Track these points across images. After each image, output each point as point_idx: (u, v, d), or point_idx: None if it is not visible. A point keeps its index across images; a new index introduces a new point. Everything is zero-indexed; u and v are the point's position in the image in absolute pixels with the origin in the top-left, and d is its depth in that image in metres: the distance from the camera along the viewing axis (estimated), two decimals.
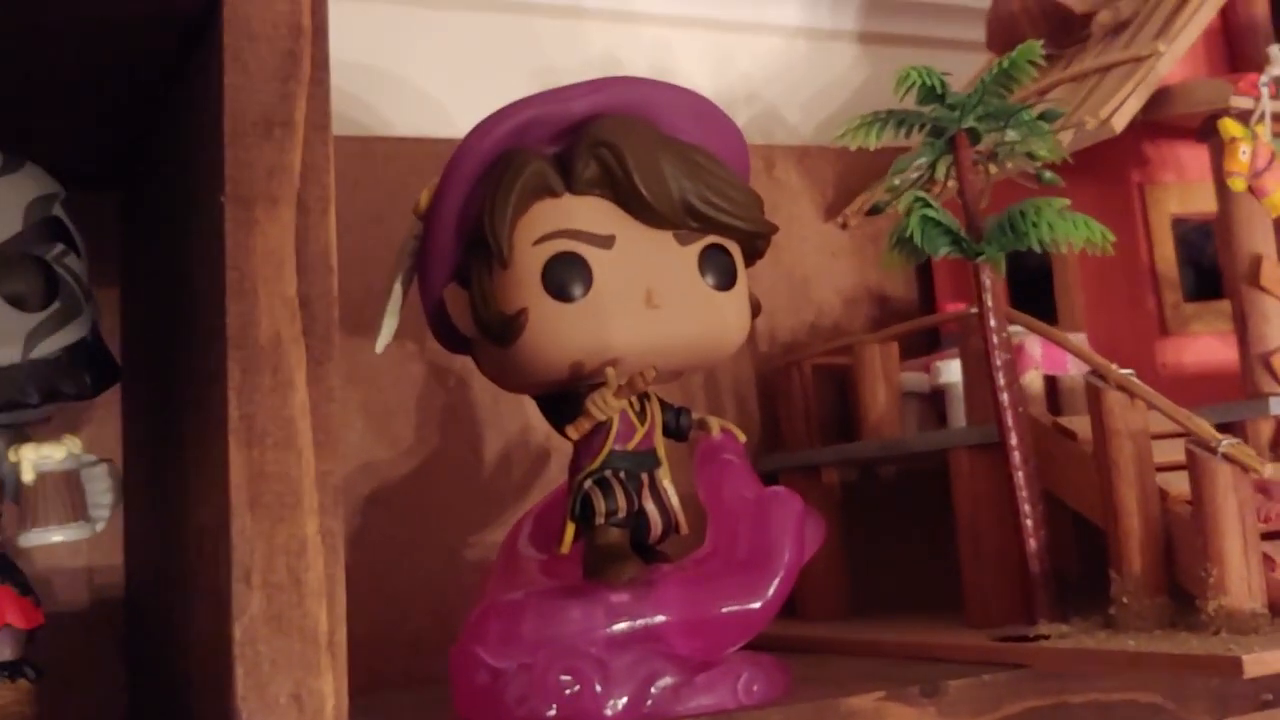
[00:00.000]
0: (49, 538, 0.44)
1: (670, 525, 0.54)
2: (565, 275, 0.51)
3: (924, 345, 0.84)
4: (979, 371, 0.65)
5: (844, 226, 0.90)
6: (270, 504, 0.43)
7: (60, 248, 0.45)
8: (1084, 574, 0.72)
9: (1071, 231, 0.58)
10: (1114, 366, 0.59)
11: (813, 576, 0.78)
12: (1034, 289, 0.80)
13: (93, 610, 0.65)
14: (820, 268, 0.90)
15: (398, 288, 0.54)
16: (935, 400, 0.79)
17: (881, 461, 0.75)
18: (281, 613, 0.43)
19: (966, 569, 0.66)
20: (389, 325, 0.55)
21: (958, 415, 0.73)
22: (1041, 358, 0.72)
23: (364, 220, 0.73)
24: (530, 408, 0.78)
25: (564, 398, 0.54)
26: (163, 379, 0.50)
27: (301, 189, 0.45)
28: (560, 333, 0.51)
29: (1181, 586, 0.57)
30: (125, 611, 0.65)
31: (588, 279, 0.51)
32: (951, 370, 0.74)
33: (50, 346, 0.44)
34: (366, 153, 0.75)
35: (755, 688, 0.51)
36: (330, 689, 0.44)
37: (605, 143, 0.51)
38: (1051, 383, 0.72)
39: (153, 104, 0.50)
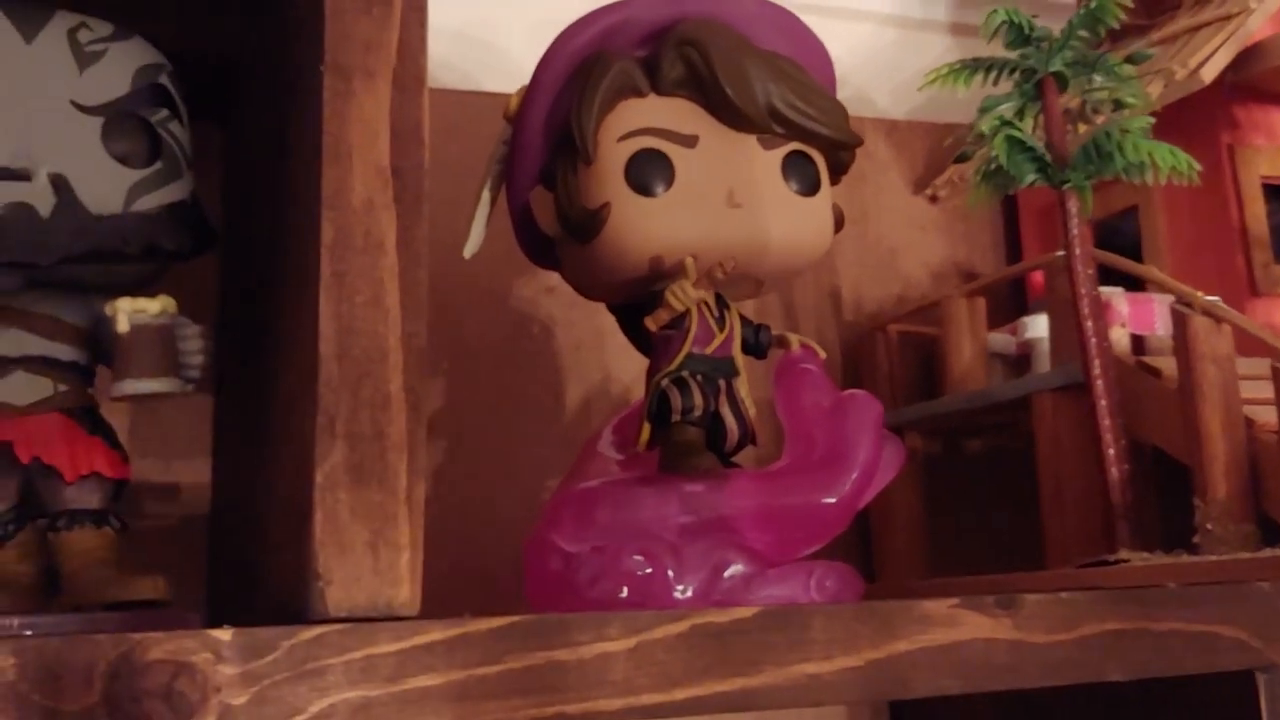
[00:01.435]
0: (141, 388, 0.45)
1: (746, 434, 0.55)
2: (648, 171, 0.52)
3: (1012, 312, 0.84)
4: (1065, 318, 0.65)
5: (933, 200, 0.90)
6: (357, 358, 0.45)
7: (165, 113, 0.47)
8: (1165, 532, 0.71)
9: (1157, 152, 0.58)
10: (1199, 293, 0.58)
11: (893, 541, 0.78)
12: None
13: (180, 526, 0.67)
14: (908, 240, 0.90)
15: (486, 194, 0.56)
16: (1020, 365, 0.78)
17: (966, 415, 0.74)
18: (363, 463, 0.44)
19: (1047, 514, 0.65)
20: (477, 231, 0.56)
21: (1043, 369, 0.73)
22: (1129, 315, 0.71)
23: (457, 173, 0.75)
24: (611, 355, 0.81)
25: (641, 307, 0.55)
26: (258, 249, 0.52)
27: (397, 65, 0.47)
28: (641, 227, 0.52)
29: (1267, 515, 0.56)
30: (210, 525, 0.66)
31: (670, 175, 0.52)
32: (1038, 325, 0.73)
33: (151, 202, 0.46)
34: (461, 103, 0.77)
35: (828, 584, 0.51)
36: (406, 540, 0.44)
37: (692, 41, 0.52)
38: (1139, 342, 0.72)
39: None
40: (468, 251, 0.56)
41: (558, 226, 0.54)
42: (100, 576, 0.45)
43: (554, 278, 0.61)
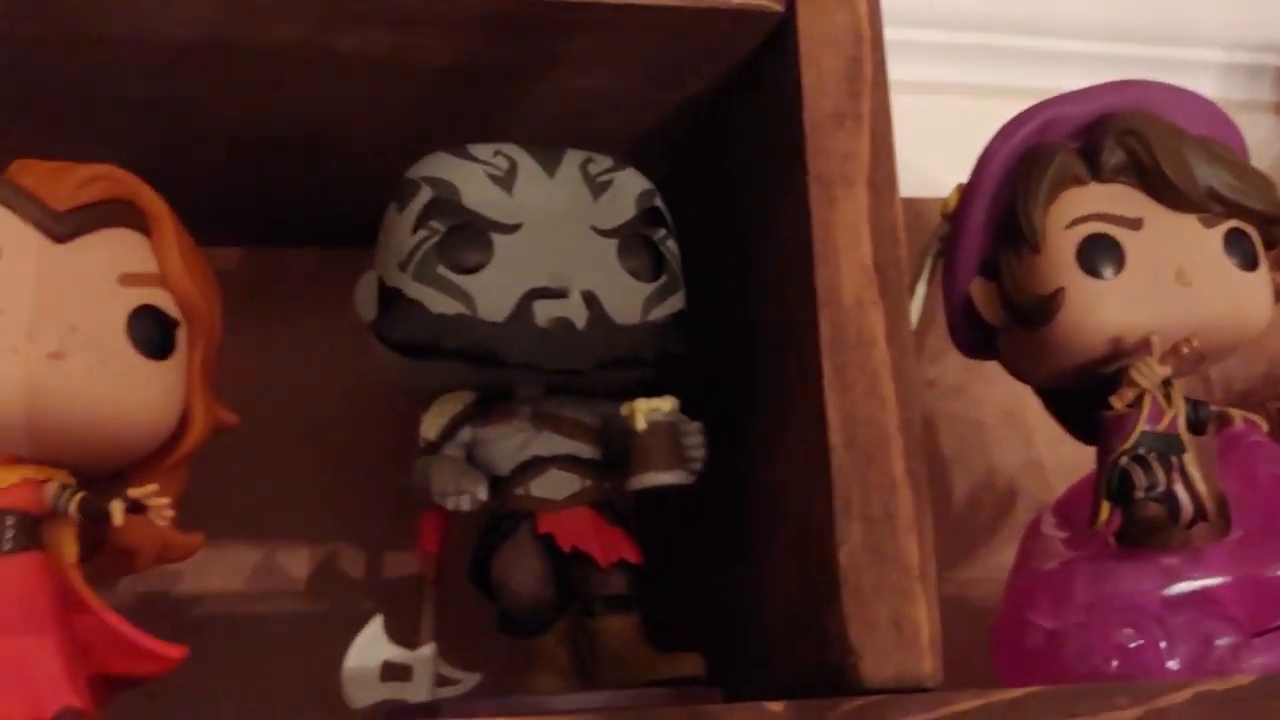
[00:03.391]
0: (660, 480, 0.49)
1: (1199, 510, 0.55)
2: (1100, 254, 0.54)
3: None
4: None
5: None
6: (863, 444, 0.48)
7: (663, 232, 0.52)
8: None
9: None
10: None
11: None
12: None
13: None
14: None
15: (921, 288, 0.59)
16: None
17: None
18: (878, 544, 0.47)
19: None
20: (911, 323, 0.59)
21: None
22: None
23: None
24: (993, 447, 0.82)
25: (1084, 392, 0.56)
26: (730, 347, 0.56)
27: (871, 171, 0.51)
28: (1098, 308, 0.53)
29: None
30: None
31: (1120, 258, 0.54)
32: None
33: (660, 313, 0.50)
34: None
35: None
36: (924, 616, 0.47)
37: (1131, 131, 0.54)
38: None
39: (709, 107, 0.57)
40: None
41: (1003, 314, 0.56)
42: (639, 656, 0.48)
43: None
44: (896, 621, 0.47)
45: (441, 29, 0.50)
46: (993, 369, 0.77)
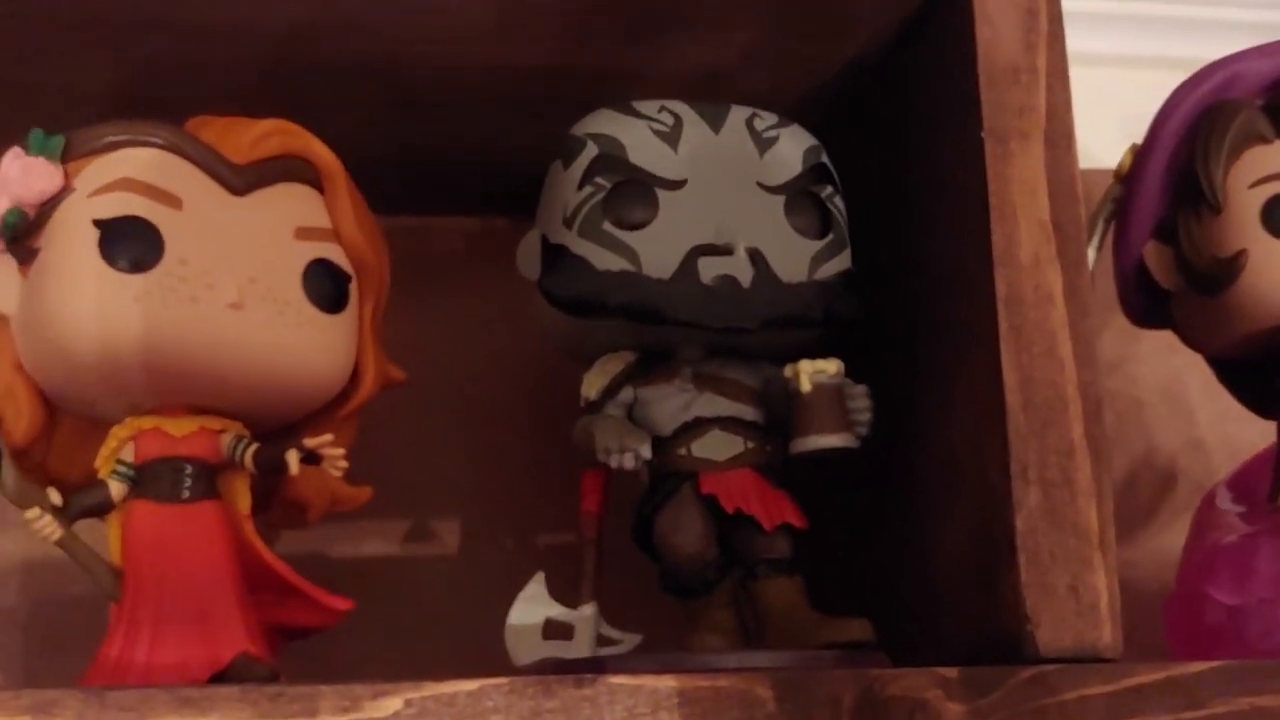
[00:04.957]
0: (824, 443, 0.48)
1: None
2: None
3: None
4: None
5: None
6: (1039, 407, 0.46)
7: (829, 189, 0.51)
8: None
9: None
10: None
11: None
12: None
13: None
14: None
15: (1091, 252, 0.57)
16: None
17: None
18: (1056, 509, 0.45)
19: None
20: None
21: None
22: None
23: None
24: (1152, 426, 0.79)
25: (1264, 362, 0.54)
26: (893, 306, 0.54)
27: (1047, 126, 0.49)
28: None
29: None
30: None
31: None
32: None
33: (827, 271, 0.49)
34: None
35: None
36: (1103, 585, 0.45)
37: None
38: None
39: (873, 62, 0.56)
40: None
41: (1179, 279, 0.54)
42: (806, 619, 0.47)
43: None
44: (1075, 589, 0.45)
45: None
46: (1149, 346, 0.74)
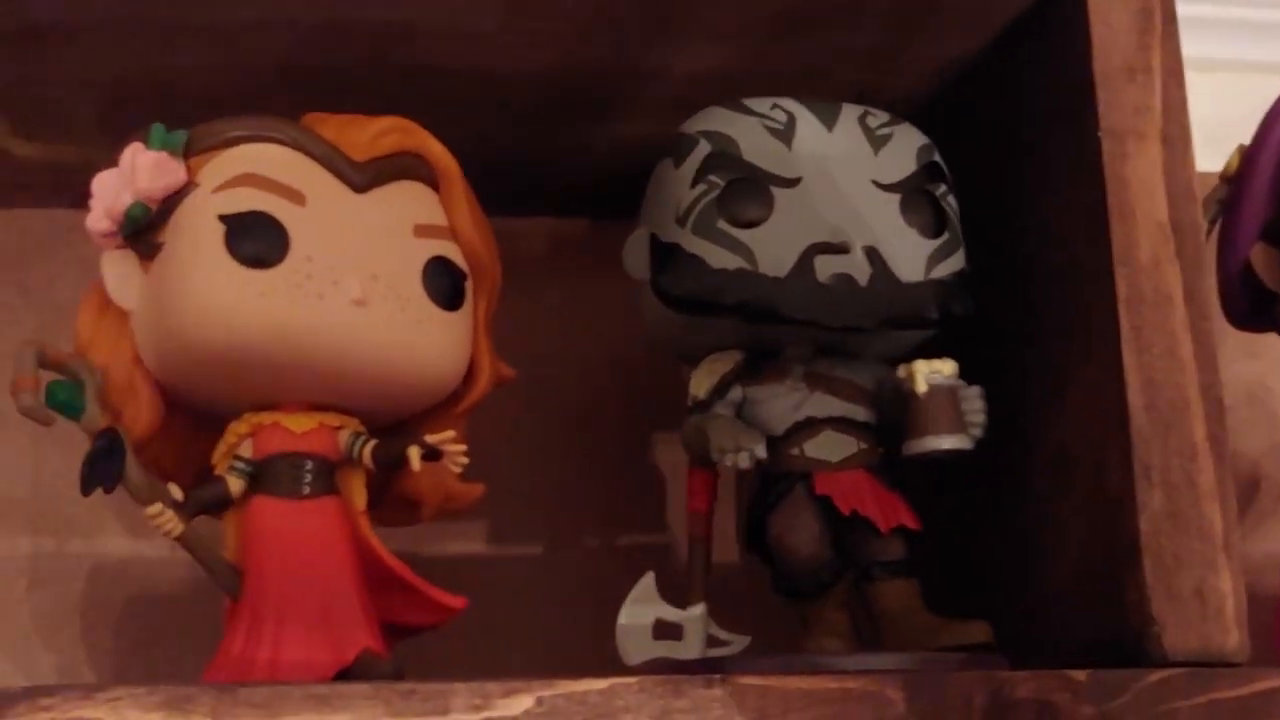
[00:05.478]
0: (941, 444, 0.48)
1: None
2: None
3: None
4: None
5: None
6: (1162, 408, 0.46)
7: (943, 187, 0.50)
8: None
9: None
10: None
11: None
12: None
13: None
14: None
15: None
16: None
17: None
18: (1179, 511, 0.45)
19: None
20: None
21: None
22: None
23: None
24: (1238, 432, 0.78)
25: None
26: (1004, 305, 0.54)
27: (1163, 125, 0.49)
28: None
29: None
30: None
31: None
32: None
33: (944, 270, 0.49)
34: None
35: None
36: (1229, 588, 0.45)
37: None
38: None
39: (983, 61, 0.56)
40: None
41: None
42: (924, 622, 0.47)
43: None
44: (1200, 592, 0.45)
45: None
46: (1232, 349, 0.74)
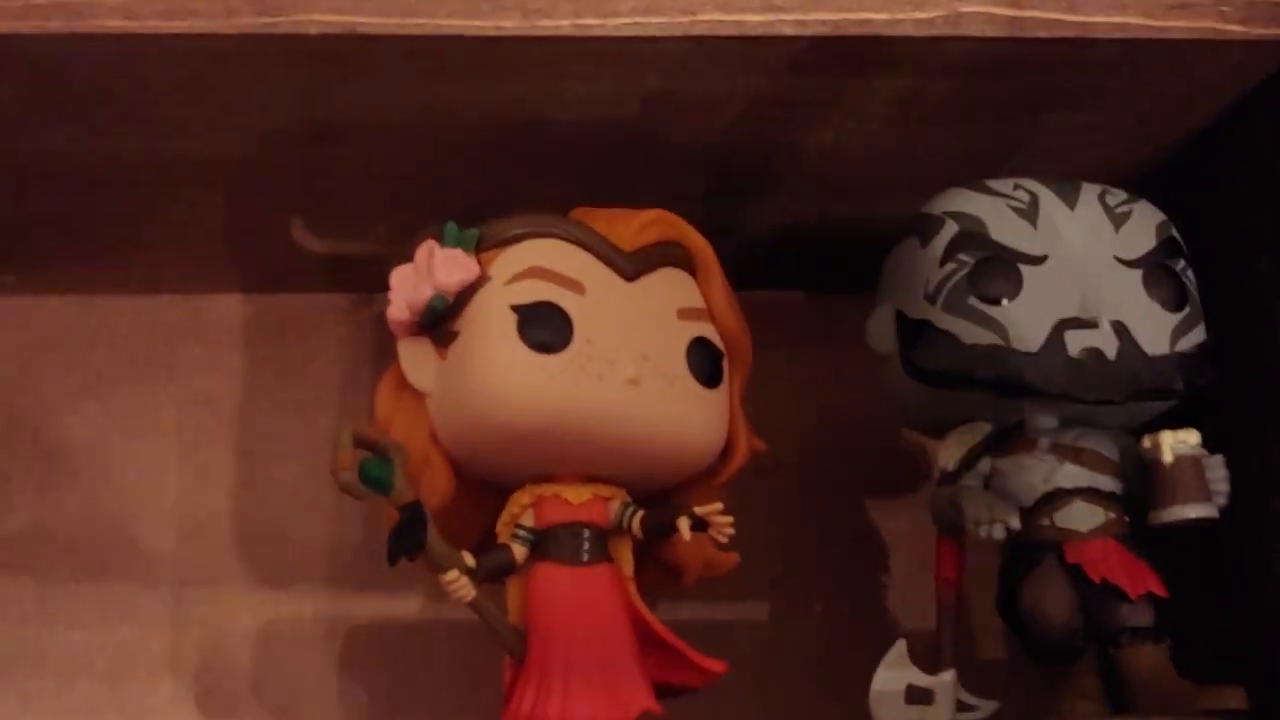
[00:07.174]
0: (1186, 514, 0.49)
1: None
2: None
3: None
4: None
5: None
6: None
7: (1182, 262, 0.52)
8: None
9: None
10: None
11: None
12: None
13: None
14: None
15: None
16: None
17: None
18: None
19: None
20: None
21: None
22: None
23: None
24: None
25: None
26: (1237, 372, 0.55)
27: None
28: None
29: None
30: None
31: None
32: None
33: (1187, 343, 0.50)
34: None
35: None
36: None
37: None
38: None
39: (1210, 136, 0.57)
40: None
41: None
42: (1177, 687, 0.48)
43: None
44: None
45: (941, 70, 0.52)
46: None
